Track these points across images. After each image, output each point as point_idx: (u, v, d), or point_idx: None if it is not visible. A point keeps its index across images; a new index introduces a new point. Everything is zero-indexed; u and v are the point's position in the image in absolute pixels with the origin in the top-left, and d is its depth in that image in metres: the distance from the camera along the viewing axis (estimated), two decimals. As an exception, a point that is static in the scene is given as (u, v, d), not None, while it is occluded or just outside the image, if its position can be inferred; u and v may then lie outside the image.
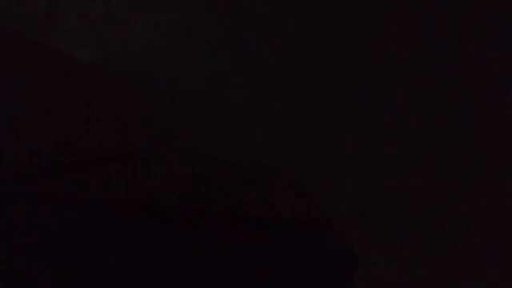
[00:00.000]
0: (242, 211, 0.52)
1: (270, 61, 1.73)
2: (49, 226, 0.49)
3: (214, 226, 0.52)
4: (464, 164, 1.66)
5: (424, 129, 1.67)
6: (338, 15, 1.69)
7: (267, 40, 1.72)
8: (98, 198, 0.53)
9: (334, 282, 0.47)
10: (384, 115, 1.69)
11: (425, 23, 1.65)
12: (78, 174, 0.77)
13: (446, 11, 1.64)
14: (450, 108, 1.66)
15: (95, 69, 1.78)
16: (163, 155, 1.76)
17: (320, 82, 1.71)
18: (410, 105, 1.68)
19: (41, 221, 0.50)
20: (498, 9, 1.60)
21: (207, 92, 1.75)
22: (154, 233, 0.49)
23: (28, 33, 1.78)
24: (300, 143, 1.72)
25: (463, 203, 1.66)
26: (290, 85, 1.72)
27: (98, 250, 0.49)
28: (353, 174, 1.70)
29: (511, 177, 1.64)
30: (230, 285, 0.48)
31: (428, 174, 1.67)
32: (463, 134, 1.66)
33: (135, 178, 0.79)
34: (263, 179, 0.95)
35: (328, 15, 1.69)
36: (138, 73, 1.76)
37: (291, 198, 0.69)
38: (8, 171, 0.61)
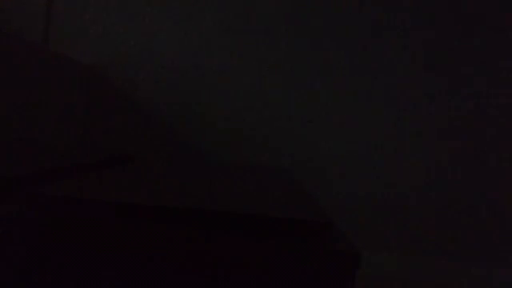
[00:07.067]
0: (242, 211, 0.52)
1: (270, 61, 1.73)
2: (47, 227, 0.50)
3: (214, 227, 0.52)
4: (465, 162, 1.66)
5: (424, 128, 1.68)
6: (337, 14, 1.69)
7: (267, 40, 1.72)
8: (98, 199, 0.53)
9: (336, 280, 0.47)
10: (384, 115, 1.69)
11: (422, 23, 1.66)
12: (78, 176, 0.77)
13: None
14: (450, 106, 1.67)
15: (95, 70, 1.78)
16: (163, 156, 1.77)
17: (321, 81, 1.72)
18: (410, 104, 1.68)
19: (40, 222, 0.50)
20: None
21: (206, 93, 1.75)
22: (154, 234, 0.49)
23: (28, 34, 1.79)
24: (300, 143, 1.73)
25: (464, 202, 1.66)
26: (290, 85, 1.73)
27: (97, 252, 0.50)
28: (353, 173, 1.70)
29: None
30: (231, 285, 0.48)
31: (429, 173, 1.67)
32: (463, 132, 1.66)
33: (135, 179, 0.79)
34: (263, 179, 0.95)
35: (327, 15, 1.70)
36: (137, 74, 1.77)
37: (291, 198, 0.69)
38: (7, 172, 0.62)
